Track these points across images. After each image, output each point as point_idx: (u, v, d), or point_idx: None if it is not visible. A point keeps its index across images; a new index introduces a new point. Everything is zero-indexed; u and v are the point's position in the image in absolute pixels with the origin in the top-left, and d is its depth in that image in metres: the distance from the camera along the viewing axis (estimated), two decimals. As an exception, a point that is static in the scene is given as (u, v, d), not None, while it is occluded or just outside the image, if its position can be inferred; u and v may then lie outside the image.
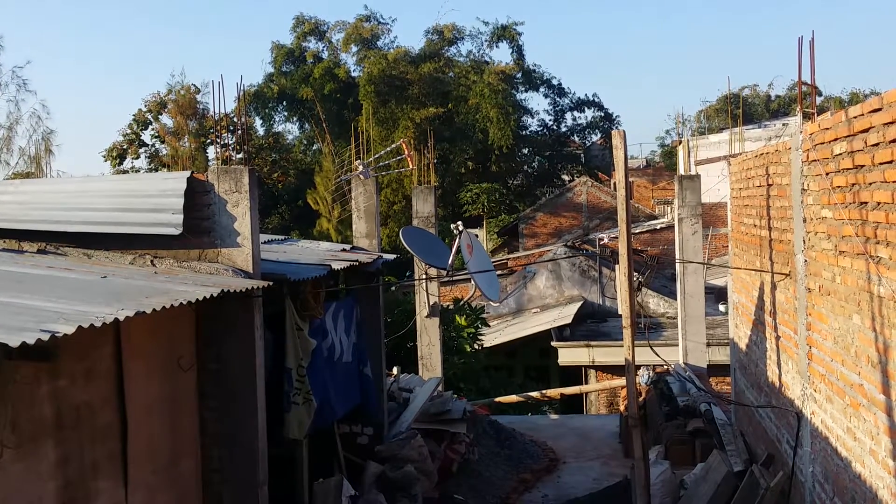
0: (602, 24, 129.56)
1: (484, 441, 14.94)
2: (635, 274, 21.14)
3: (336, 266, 10.27)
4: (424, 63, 47.60)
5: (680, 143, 41.50)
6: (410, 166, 17.49)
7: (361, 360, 11.86)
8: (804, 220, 8.02)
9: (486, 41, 50.75)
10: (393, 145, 19.76)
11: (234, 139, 34.43)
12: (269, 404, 8.67)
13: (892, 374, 5.76)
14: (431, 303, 17.44)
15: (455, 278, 27.53)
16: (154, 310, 5.58)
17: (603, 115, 54.81)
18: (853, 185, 6.38)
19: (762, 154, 10.06)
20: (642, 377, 15.90)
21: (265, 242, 11.89)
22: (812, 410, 8.03)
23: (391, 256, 13.35)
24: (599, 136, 55.40)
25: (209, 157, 45.48)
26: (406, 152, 16.87)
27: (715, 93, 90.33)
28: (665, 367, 15.62)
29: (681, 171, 35.47)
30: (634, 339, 8.40)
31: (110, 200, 8.44)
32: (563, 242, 39.59)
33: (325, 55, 51.15)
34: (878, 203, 5.84)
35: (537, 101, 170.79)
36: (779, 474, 9.05)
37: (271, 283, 8.11)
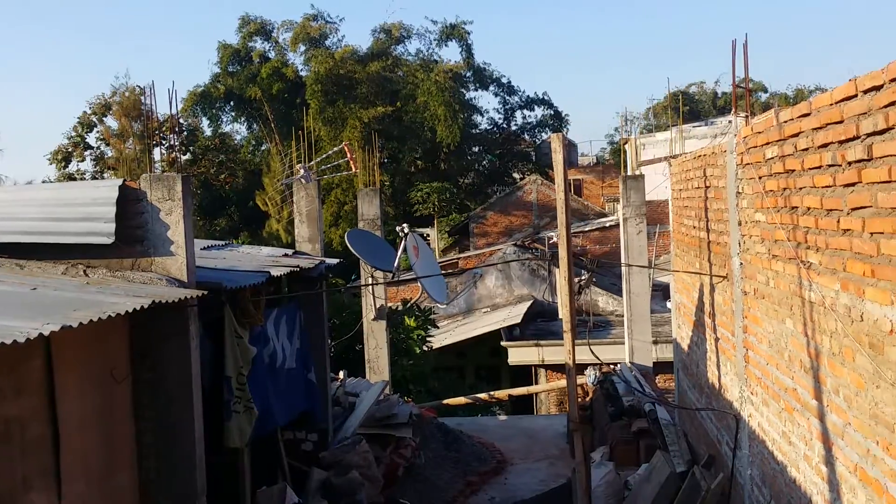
0: (553, 23, 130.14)
1: (431, 444, 14.89)
2: (577, 276, 21.28)
3: (276, 272, 10.14)
4: (372, 62, 47.48)
5: (626, 141, 41.79)
6: (353, 169, 17.40)
7: (306, 365, 11.75)
8: (739, 223, 8.07)
9: (434, 40, 50.98)
10: (338, 147, 19.66)
11: (178, 141, 34.02)
12: (209, 413, 8.56)
13: (823, 379, 5.79)
14: (378, 306, 17.39)
15: (403, 279, 27.49)
16: (81, 324, 5.47)
17: (553, 113, 55.27)
18: (784, 189, 6.40)
19: (700, 156, 10.12)
20: (589, 377, 15.97)
21: (204, 248, 11.74)
22: (750, 413, 8.08)
23: (334, 261, 13.23)
24: (549, 134, 55.72)
25: (155, 160, 44.94)
26: (349, 155, 16.77)
27: (664, 90, 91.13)
28: (611, 366, 15.71)
29: (628, 170, 35.70)
30: (575, 344, 8.40)
31: (43, 210, 8.28)
32: (513, 241, 39.72)
33: (272, 55, 50.92)
34: (809, 208, 5.86)
35: (487, 100, 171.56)
36: (719, 476, 9.11)
37: (206, 293, 7.99)
